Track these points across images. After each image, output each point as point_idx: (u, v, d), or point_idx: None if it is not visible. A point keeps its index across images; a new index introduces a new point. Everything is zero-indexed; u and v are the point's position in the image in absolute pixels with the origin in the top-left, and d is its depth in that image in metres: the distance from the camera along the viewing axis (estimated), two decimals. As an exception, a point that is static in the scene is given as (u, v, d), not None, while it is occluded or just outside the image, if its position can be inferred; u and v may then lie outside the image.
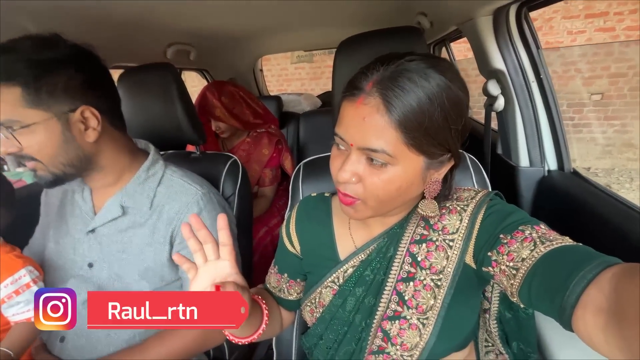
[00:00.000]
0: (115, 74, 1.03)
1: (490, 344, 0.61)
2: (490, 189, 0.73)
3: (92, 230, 0.71)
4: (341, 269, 0.57)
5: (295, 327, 0.77)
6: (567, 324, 0.35)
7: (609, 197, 0.74)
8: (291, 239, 0.65)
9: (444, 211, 0.53)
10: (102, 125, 0.66)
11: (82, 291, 0.70)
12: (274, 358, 0.79)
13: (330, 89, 0.80)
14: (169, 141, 1.00)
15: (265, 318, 0.56)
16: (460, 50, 3.08)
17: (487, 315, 0.59)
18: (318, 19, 1.63)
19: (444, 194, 0.53)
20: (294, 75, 4.86)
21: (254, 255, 1.38)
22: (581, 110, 3.76)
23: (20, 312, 0.64)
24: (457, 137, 0.46)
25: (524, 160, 0.96)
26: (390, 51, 0.65)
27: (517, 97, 0.94)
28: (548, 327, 0.66)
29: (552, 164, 0.94)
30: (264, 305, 0.57)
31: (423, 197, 0.52)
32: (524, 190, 0.96)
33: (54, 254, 0.73)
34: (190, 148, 1.34)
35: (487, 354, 0.61)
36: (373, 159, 0.44)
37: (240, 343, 0.55)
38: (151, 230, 0.70)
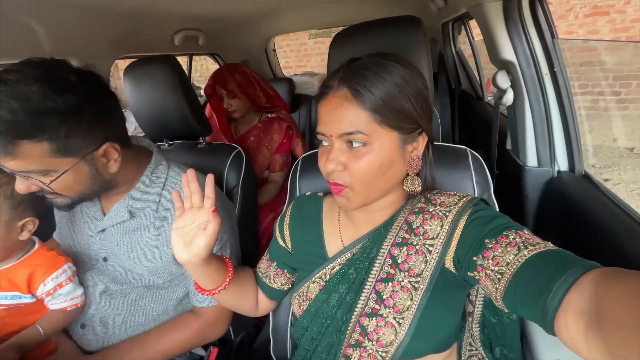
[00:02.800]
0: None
1: (473, 348, 0.62)
2: (492, 192, 0.70)
3: (102, 230, 0.75)
4: (329, 266, 0.61)
5: (290, 318, 0.81)
6: (550, 328, 0.36)
7: (617, 207, 0.69)
8: (283, 235, 0.69)
9: (426, 216, 0.55)
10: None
11: (99, 282, 0.77)
12: (271, 344, 0.84)
13: None
14: (176, 132, 1.02)
15: (229, 278, 0.63)
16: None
17: (471, 319, 0.61)
18: None
19: (429, 175, 0.59)
20: (313, 50, 4.71)
21: (261, 240, 1.43)
22: (629, 84, 3.38)
23: (60, 302, 0.72)
24: (422, 111, 0.52)
25: (531, 160, 0.90)
26: (388, 41, 0.70)
27: (528, 90, 0.86)
28: (535, 327, 0.65)
29: (562, 164, 0.87)
30: (230, 268, 0.64)
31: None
32: (530, 192, 0.91)
33: (70, 249, 0.79)
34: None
35: (470, 358, 0.62)
36: (352, 142, 0.50)
37: (203, 294, 0.64)
38: (157, 232, 0.74)
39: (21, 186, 0.61)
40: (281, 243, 0.70)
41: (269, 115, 1.60)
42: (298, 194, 0.80)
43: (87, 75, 0.63)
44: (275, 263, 0.70)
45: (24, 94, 0.54)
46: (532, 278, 0.39)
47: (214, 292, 0.62)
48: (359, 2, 1.77)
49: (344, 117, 0.49)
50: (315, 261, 0.63)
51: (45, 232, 0.85)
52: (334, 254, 0.61)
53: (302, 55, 4.78)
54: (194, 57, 2.09)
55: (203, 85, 1.58)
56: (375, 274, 0.55)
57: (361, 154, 0.50)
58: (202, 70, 4.92)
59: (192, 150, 1.07)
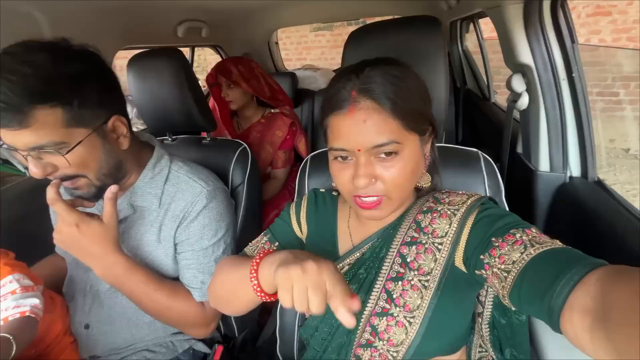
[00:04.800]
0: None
1: (483, 350, 0.62)
2: (504, 196, 0.70)
3: None
4: (338, 266, 0.60)
5: (297, 318, 0.80)
6: (556, 326, 0.36)
7: (632, 215, 0.69)
8: (300, 225, 0.68)
9: (435, 215, 0.54)
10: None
11: (103, 281, 0.75)
12: (277, 344, 0.84)
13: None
14: (181, 126, 1.00)
15: None
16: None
17: (480, 319, 0.60)
18: None
19: (435, 167, 0.59)
20: (314, 44, 4.64)
21: (264, 238, 1.42)
22: (628, 85, 3.40)
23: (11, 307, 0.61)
24: (430, 113, 0.53)
25: (544, 165, 0.90)
26: (405, 42, 0.69)
27: (544, 95, 0.85)
28: (543, 329, 0.65)
29: (575, 170, 0.87)
30: None
31: (416, 189, 0.59)
32: (541, 197, 0.90)
33: None
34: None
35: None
36: (383, 153, 0.48)
37: (268, 300, 0.52)
38: (159, 227, 0.73)
39: (36, 170, 0.58)
40: (295, 228, 0.67)
41: (272, 111, 1.57)
42: (305, 191, 0.79)
43: (87, 51, 0.62)
44: (277, 243, 0.66)
45: (34, 60, 0.53)
46: (538, 276, 0.39)
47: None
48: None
49: (373, 129, 0.47)
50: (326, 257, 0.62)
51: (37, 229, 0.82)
52: (344, 253, 0.61)
53: (302, 48, 4.71)
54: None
55: (201, 77, 1.55)
56: (385, 273, 0.55)
57: (393, 163, 0.49)
58: (199, 60, 4.84)
59: (197, 146, 1.05)
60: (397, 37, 0.70)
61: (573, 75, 0.80)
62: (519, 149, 1.02)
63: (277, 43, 2.39)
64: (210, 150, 1.04)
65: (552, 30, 0.80)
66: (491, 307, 0.59)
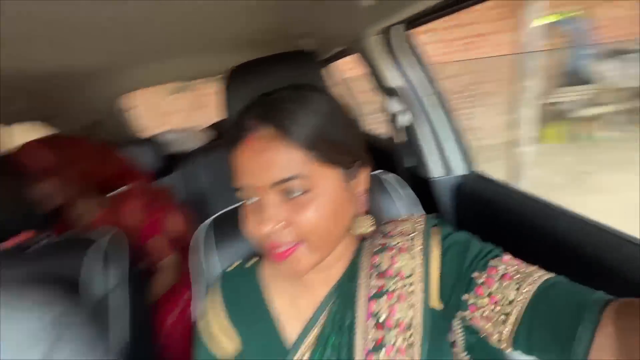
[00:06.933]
0: None
1: None
2: (419, 208, 0.70)
3: None
4: (294, 358, 0.45)
5: None
6: None
7: (516, 192, 0.80)
8: (220, 337, 0.50)
9: (393, 251, 0.47)
10: None
11: None
12: None
13: (223, 118, 0.72)
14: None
15: None
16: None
17: (457, 349, 0.53)
18: (191, 45, 1.40)
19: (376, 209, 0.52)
20: (172, 107, 4.35)
21: (169, 350, 1.06)
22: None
23: None
24: (357, 142, 0.46)
25: (435, 170, 0.99)
26: (283, 77, 0.68)
27: (418, 110, 0.96)
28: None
29: (459, 169, 0.99)
30: None
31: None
32: (442, 200, 0.98)
33: None
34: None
35: None
36: (290, 191, 0.40)
37: None
38: None
39: None
40: (227, 348, 0.50)
41: (117, 191, 1.16)
42: (206, 272, 0.62)
43: None
44: None
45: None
46: (549, 321, 0.36)
47: None
48: (225, 54, 1.68)
49: (274, 162, 0.40)
50: (273, 356, 0.47)
51: None
52: (294, 339, 0.47)
53: (160, 114, 4.29)
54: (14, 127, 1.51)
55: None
56: (361, 347, 0.43)
57: (305, 203, 0.40)
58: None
59: (19, 259, 0.67)
60: (275, 71, 0.71)
61: (434, 89, 0.93)
62: (409, 163, 1.11)
63: (129, 110, 2.09)
64: (47, 257, 0.69)
65: (409, 54, 0.93)
66: (462, 331, 0.54)
